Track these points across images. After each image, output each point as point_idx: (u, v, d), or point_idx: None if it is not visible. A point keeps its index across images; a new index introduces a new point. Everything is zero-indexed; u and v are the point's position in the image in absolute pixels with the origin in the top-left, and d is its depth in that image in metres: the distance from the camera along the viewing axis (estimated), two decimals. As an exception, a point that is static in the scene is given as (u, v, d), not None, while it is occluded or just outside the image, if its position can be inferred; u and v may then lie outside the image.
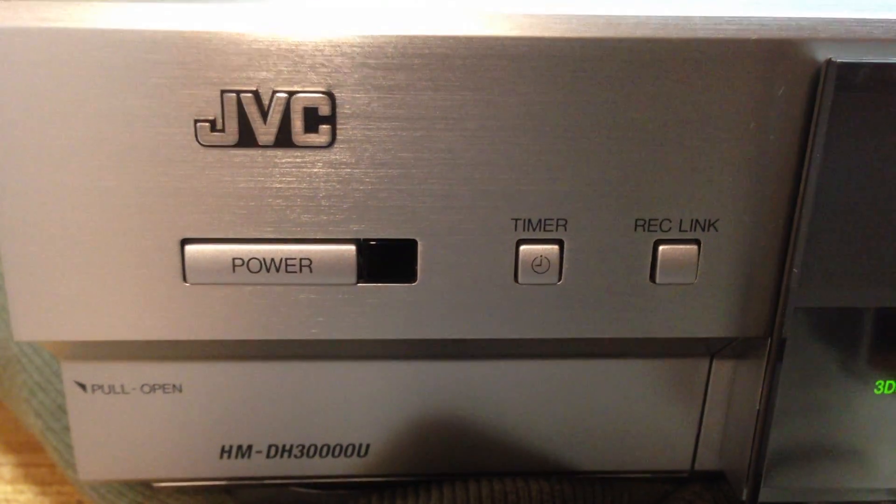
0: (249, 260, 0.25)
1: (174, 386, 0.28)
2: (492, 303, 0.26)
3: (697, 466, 0.31)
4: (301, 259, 0.25)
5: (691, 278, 0.26)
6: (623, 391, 0.30)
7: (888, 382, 0.27)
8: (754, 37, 0.24)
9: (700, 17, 0.24)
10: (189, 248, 0.24)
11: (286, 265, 0.25)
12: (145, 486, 0.32)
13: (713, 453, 0.31)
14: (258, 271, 0.25)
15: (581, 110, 0.24)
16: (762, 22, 0.24)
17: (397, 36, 0.23)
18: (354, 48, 0.23)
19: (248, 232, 0.24)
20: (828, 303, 0.25)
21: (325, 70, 0.23)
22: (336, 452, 0.30)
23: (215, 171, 0.24)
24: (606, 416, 0.30)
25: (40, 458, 0.36)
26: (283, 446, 0.30)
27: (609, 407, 0.30)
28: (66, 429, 0.32)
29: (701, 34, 0.23)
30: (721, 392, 0.30)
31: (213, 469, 0.30)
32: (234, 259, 0.24)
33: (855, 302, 0.26)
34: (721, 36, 0.23)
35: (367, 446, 0.30)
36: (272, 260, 0.25)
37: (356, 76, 0.23)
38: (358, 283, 0.25)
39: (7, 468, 0.36)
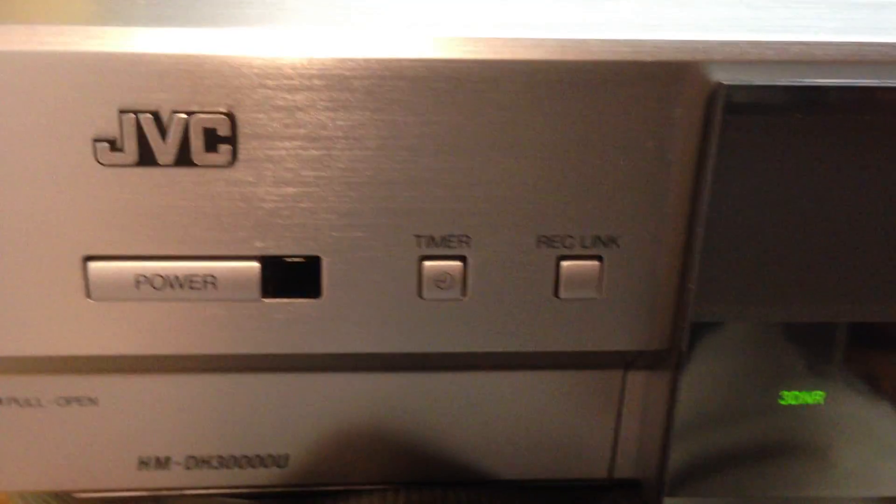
0: (153, 276, 0.25)
1: (89, 399, 0.29)
2: (396, 318, 0.26)
3: (616, 474, 0.32)
4: (205, 276, 0.25)
5: (595, 293, 0.26)
6: (539, 401, 0.30)
7: (793, 393, 0.28)
8: (650, 59, 0.24)
9: (596, 39, 0.24)
10: (92, 265, 0.25)
11: (190, 282, 0.25)
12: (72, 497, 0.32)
13: (632, 462, 0.31)
14: (162, 288, 0.25)
15: (480, 130, 0.24)
16: (657, 44, 0.24)
17: (296, 58, 0.23)
18: (253, 69, 0.23)
19: (151, 249, 0.25)
20: (725, 318, 0.26)
21: (223, 91, 0.23)
22: (255, 463, 0.30)
23: (116, 190, 0.24)
24: (524, 425, 0.30)
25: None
26: (202, 458, 0.30)
27: (526, 417, 0.30)
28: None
29: (597, 56, 0.24)
30: (636, 402, 0.30)
31: (131, 480, 0.30)
32: (137, 276, 0.25)
33: (753, 317, 0.26)
34: (617, 58, 0.24)
35: (287, 457, 0.30)
36: (176, 276, 0.25)
37: (255, 97, 0.23)
38: (263, 298, 0.25)
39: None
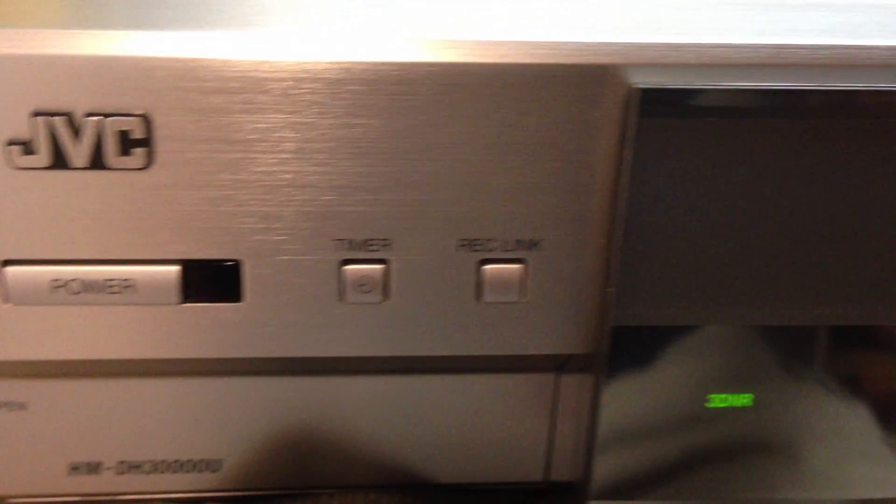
0: (70, 281, 0.25)
1: (18, 403, 0.28)
2: (317, 322, 0.26)
3: (553, 477, 0.32)
4: (123, 280, 0.25)
5: (517, 297, 0.26)
6: (474, 405, 0.30)
7: (721, 396, 0.28)
8: (567, 61, 0.24)
9: (513, 41, 0.24)
10: (9, 270, 0.25)
11: (108, 286, 0.25)
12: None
13: (567, 464, 0.31)
14: (80, 292, 0.25)
15: (398, 133, 0.24)
16: (575, 47, 0.24)
17: (211, 59, 0.23)
18: (168, 72, 0.23)
19: (68, 253, 0.24)
20: (647, 321, 0.26)
21: (138, 93, 0.23)
22: (188, 468, 0.30)
23: (30, 194, 0.24)
24: (459, 428, 0.30)
25: None
26: (134, 463, 0.30)
27: (462, 420, 0.30)
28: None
29: (513, 59, 0.24)
30: (570, 405, 0.30)
31: (62, 485, 0.30)
32: (52, 280, 0.24)
33: (675, 320, 0.26)
34: (533, 60, 0.24)
35: (220, 462, 0.30)
36: (93, 281, 0.25)
37: (171, 99, 0.23)
38: (183, 302, 0.25)
39: None
